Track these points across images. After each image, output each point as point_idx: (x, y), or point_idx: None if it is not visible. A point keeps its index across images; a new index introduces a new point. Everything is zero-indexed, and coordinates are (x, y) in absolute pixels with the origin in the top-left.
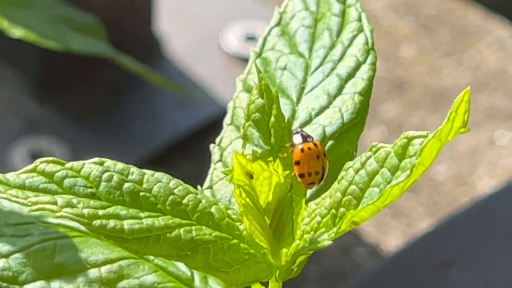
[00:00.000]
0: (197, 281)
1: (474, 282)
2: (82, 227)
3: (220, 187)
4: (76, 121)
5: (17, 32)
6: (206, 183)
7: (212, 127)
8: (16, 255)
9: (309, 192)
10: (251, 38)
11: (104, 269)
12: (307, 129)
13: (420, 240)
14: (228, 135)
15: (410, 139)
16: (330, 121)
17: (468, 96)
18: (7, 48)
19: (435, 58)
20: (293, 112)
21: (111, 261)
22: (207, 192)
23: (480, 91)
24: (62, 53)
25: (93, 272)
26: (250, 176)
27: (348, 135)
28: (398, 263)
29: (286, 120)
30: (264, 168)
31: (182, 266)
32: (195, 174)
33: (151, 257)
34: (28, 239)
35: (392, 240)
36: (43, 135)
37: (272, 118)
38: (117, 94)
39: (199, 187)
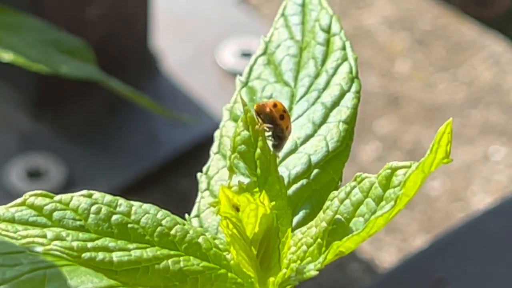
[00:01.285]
0: None
1: None
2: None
3: (208, 216)
4: (72, 138)
5: (6, 56)
6: (194, 211)
7: (207, 143)
8: (6, 285)
9: (295, 220)
10: (246, 55)
11: None
12: (293, 158)
13: (414, 257)
14: (215, 163)
15: (394, 169)
16: (315, 149)
17: (450, 128)
18: (1, 65)
19: (430, 73)
20: (279, 142)
21: None
22: (195, 221)
23: (475, 106)
24: None
25: None
26: (237, 208)
27: (333, 163)
28: (392, 281)
29: (271, 152)
30: (250, 200)
31: None
32: (191, 190)
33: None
34: (18, 269)
35: (386, 256)
36: (39, 152)
37: (258, 150)
38: (113, 111)
39: (186, 215)
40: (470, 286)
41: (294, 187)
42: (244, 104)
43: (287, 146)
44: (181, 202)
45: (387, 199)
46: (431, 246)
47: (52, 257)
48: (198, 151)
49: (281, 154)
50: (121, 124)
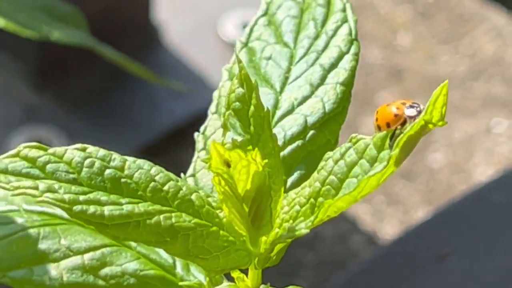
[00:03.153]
0: (179, 268)
1: (469, 272)
2: (65, 215)
3: (203, 175)
4: (74, 109)
5: None
6: (190, 170)
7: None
8: (0, 242)
9: (290, 180)
10: None
11: (86, 256)
12: (289, 119)
13: (416, 230)
14: (212, 123)
15: (389, 131)
16: (312, 111)
17: (446, 90)
18: (4, 36)
19: (432, 45)
20: (276, 101)
21: (94, 248)
22: (190, 180)
23: (477, 79)
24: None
25: (75, 260)
26: (228, 164)
27: (330, 125)
28: (394, 253)
29: (265, 109)
30: (242, 157)
31: (164, 254)
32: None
33: (134, 245)
34: (12, 227)
35: (388, 228)
36: (41, 123)
37: (252, 108)
38: (115, 82)
39: (182, 174)
40: (473, 257)
41: (289, 147)
42: (239, 61)
43: (284, 107)
44: (183, 172)
45: (381, 160)
46: (433, 218)
47: (46, 216)
48: (200, 122)
49: (278, 114)
50: (123, 96)
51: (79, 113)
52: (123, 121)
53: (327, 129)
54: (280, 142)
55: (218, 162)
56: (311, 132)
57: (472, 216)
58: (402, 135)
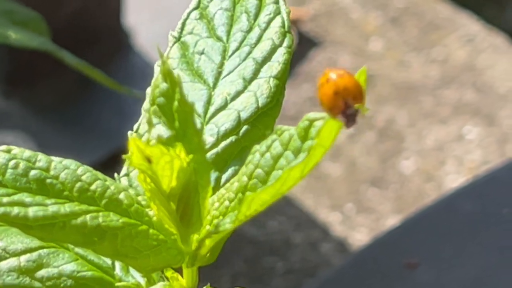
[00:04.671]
0: (117, 269)
1: (438, 281)
2: None
3: (136, 175)
4: (43, 115)
5: None
6: (123, 170)
7: None
8: None
9: (225, 177)
10: None
11: (23, 258)
12: (222, 114)
13: (385, 237)
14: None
15: (312, 121)
16: (245, 105)
17: (365, 77)
18: None
19: (404, 52)
20: (209, 97)
21: (31, 250)
22: (124, 180)
23: (448, 86)
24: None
25: (12, 261)
26: (149, 160)
27: (263, 119)
28: (363, 261)
29: (190, 104)
30: (164, 152)
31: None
32: None
33: (71, 246)
34: None
35: (359, 236)
36: (9, 129)
37: (176, 103)
38: (85, 89)
39: (116, 175)
40: (442, 266)
41: (223, 143)
42: (161, 55)
43: (217, 102)
44: None
45: (305, 151)
46: (402, 226)
47: None
48: None
49: (210, 110)
50: (92, 102)
51: (47, 119)
52: (92, 128)
53: (261, 124)
54: (213, 138)
55: (139, 157)
56: (245, 127)
57: (440, 224)
58: (320, 124)
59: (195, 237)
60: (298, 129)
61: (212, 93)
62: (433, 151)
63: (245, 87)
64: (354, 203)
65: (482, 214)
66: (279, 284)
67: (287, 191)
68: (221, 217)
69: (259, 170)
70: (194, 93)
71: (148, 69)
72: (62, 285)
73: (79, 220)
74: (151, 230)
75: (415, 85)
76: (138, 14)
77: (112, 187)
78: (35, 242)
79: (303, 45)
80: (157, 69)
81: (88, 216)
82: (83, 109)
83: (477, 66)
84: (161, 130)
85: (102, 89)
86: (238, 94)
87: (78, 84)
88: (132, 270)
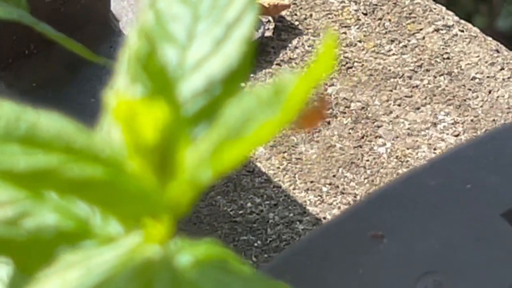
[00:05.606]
0: (98, 219)
1: (403, 252)
2: None
3: (112, 130)
4: (27, 98)
5: None
6: (101, 126)
7: None
8: None
9: (197, 135)
10: None
11: (6, 208)
12: (195, 76)
13: (352, 210)
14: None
15: (286, 77)
16: (217, 67)
17: (335, 36)
18: None
19: (381, 40)
20: (182, 59)
21: (14, 201)
22: (102, 135)
23: (424, 74)
24: (13, 27)
25: None
26: (130, 114)
27: (234, 80)
28: (330, 232)
29: (166, 64)
30: (144, 107)
31: (83, 206)
32: None
33: (54, 198)
34: None
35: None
36: None
37: (152, 62)
38: (71, 70)
39: (94, 129)
40: (407, 238)
41: (195, 104)
42: (142, 20)
43: (190, 64)
44: None
45: (277, 106)
46: (369, 200)
47: None
48: None
49: (184, 71)
50: (79, 84)
51: (32, 101)
52: (77, 111)
53: (232, 84)
54: (186, 99)
55: (120, 111)
56: (217, 86)
57: (405, 198)
58: (292, 81)
59: (173, 188)
60: (272, 85)
61: (185, 55)
62: (408, 136)
63: (216, 49)
64: (329, 185)
65: (446, 189)
66: (255, 260)
67: (259, 144)
68: (197, 169)
69: (233, 124)
70: (167, 56)
71: None
72: (45, 234)
73: (64, 170)
74: (129, 183)
75: (391, 72)
76: (120, 0)
77: (92, 139)
78: (19, 193)
79: (283, 33)
80: (131, 31)
81: (66, 167)
82: (67, 92)
83: (452, 55)
84: (137, 88)
85: (86, 73)
86: (210, 55)
87: (62, 67)
88: (112, 220)
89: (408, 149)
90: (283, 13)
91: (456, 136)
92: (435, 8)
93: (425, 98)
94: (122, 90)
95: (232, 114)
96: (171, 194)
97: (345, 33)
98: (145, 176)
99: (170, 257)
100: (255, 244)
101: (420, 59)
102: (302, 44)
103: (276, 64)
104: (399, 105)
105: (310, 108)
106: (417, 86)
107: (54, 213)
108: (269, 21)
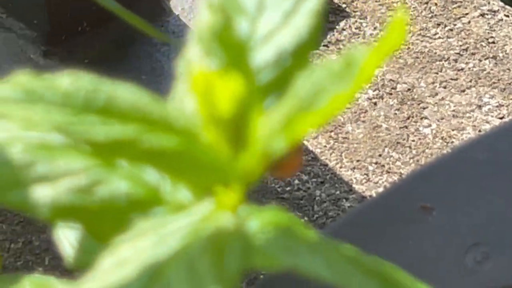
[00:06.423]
0: (168, 187)
1: (451, 224)
2: (61, 139)
3: (184, 100)
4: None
5: None
6: (172, 96)
7: None
8: None
9: (268, 106)
10: None
11: (80, 176)
12: (266, 49)
13: (401, 184)
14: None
15: (357, 51)
16: (287, 39)
17: (407, 10)
18: (13, 2)
19: (427, 23)
20: (253, 31)
21: (87, 168)
22: (173, 104)
23: (470, 57)
24: (67, 5)
25: (71, 181)
26: (208, 85)
27: (304, 52)
28: (379, 204)
29: (241, 37)
30: (221, 80)
31: (154, 173)
32: None
33: (125, 165)
34: (9, 152)
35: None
36: None
37: (228, 35)
38: (123, 48)
39: (167, 99)
40: (455, 211)
41: (266, 75)
42: None
43: (260, 36)
44: None
45: (348, 78)
46: (417, 173)
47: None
48: None
49: (253, 43)
50: (129, 61)
51: None
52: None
53: (301, 56)
54: (257, 71)
55: (197, 83)
56: (287, 59)
57: (453, 172)
58: (363, 54)
59: (245, 158)
60: (343, 57)
61: (256, 26)
62: (453, 118)
63: (286, 21)
64: (375, 164)
65: (494, 163)
66: None
67: (330, 116)
68: (270, 139)
69: (305, 95)
70: (239, 26)
71: (186, 30)
72: (117, 202)
73: (140, 140)
74: (204, 151)
75: (437, 55)
76: None
77: (166, 110)
78: (92, 161)
79: (330, 15)
80: (205, 6)
81: (148, 136)
82: (118, 69)
83: (497, 39)
84: (212, 60)
85: (137, 50)
86: (280, 27)
87: (114, 44)
88: (181, 188)
89: (453, 130)
90: None
91: (501, 118)
92: None
93: (470, 81)
94: (196, 63)
95: (304, 86)
96: (243, 164)
97: (391, 16)
98: (219, 146)
99: (241, 224)
100: (302, 221)
101: (466, 42)
102: (349, 26)
103: (324, 46)
104: (444, 87)
105: (285, 158)
106: (462, 69)
107: (125, 181)
108: None
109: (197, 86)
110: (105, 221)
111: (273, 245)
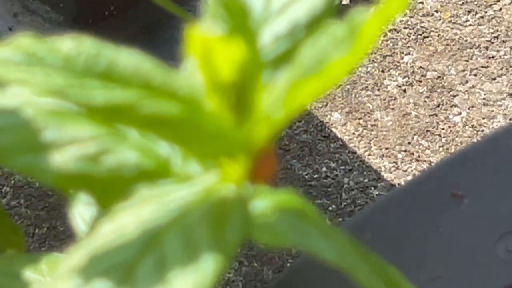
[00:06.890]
0: (177, 159)
1: (482, 213)
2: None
3: (195, 68)
4: None
5: None
6: (183, 66)
7: None
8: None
9: (278, 77)
10: None
11: (89, 144)
12: (279, 21)
13: (431, 170)
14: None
15: (361, 15)
16: (302, 11)
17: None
18: None
19: (458, 10)
20: (268, 3)
21: (96, 137)
22: (183, 73)
23: (500, 45)
24: None
25: (80, 148)
26: (207, 49)
27: (319, 25)
28: (409, 191)
29: (247, 5)
30: (224, 43)
31: (163, 145)
32: None
33: (135, 135)
34: (19, 116)
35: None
36: None
37: (235, 2)
38: (149, 32)
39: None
40: (486, 199)
41: (279, 47)
42: None
43: (275, 7)
44: None
45: (350, 44)
46: (448, 161)
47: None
48: None
49: (267, 15)
50: (156, 47)
51: None
52: None
53: (315, 30)
54: (269, 41)
55: (198, 47)
56: (301, 32)
57: (486, 160)
58: (365, 18)
59: (248, 126)
60: (347, 22)
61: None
62: (483, 106)
63: None
64: (404, 152)
65: None
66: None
67: (333, 83)
68: (272, 108)
69: (308, 63)
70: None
71: None
72: (125, 172)
73: (141, 105)
74: (205, 122)
75: (468, 43)
76: None
77: (170, 77)
78: (101, 130)
79: (360, 1)
80: None
81: (150, 102)
82: (145, 52)
83: None
84: (217, 26)
85: (163, 35)
86: (294, 0)
87: (139, 29)
88: (191, 162)
89: (483, 118)
90: None
91: None
92: None
93: (501, 69)
94: (202, 28)
95: (307, 54)
96: (247, 133)
97: (422, 3)
98: (222, 114)
99: (245, 198)
100: (330, 208)
101: (497, 30)
102: None
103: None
104: (475, 75)
105: (259, 163)
106: (493, 57)
107: (135, 151)
108: None
109: (197, 49)
110: (112, 191)
111: (284, 224)
